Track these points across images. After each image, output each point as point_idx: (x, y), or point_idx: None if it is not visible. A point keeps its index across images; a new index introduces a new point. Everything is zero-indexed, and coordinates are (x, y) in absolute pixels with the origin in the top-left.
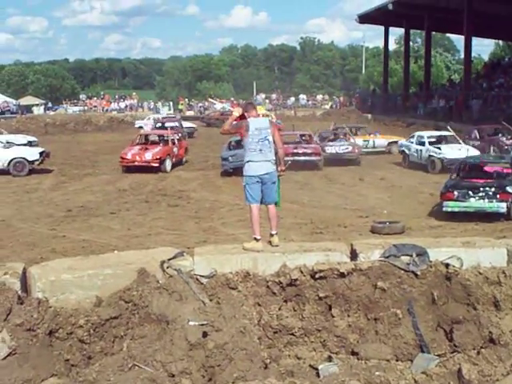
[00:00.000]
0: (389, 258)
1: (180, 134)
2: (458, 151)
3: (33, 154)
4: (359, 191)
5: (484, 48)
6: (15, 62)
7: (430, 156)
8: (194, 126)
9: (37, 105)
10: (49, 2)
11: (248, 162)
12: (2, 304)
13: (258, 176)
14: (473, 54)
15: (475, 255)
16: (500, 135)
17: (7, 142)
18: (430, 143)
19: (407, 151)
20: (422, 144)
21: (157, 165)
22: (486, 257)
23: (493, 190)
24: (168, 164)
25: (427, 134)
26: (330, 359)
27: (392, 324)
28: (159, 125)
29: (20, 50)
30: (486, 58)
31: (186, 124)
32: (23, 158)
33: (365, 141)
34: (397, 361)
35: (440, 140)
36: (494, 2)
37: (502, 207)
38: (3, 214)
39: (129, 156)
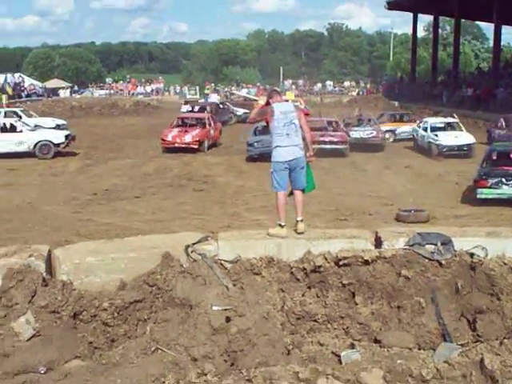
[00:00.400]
0: (413, 246)
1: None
2: (455, 138)
3: (58, 136)
4: (384, 179)
5: None
6: (42, 45)
7: (428, 142)
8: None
9: (63, 88)
10: None
11: (276, 147)
12: (27, 286)
13: (287, 162)
14: (502, 43)
15: (500, 245)
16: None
17: (35, 125)
18: (434, 129)
19: (416, 136)
20: (426, 130)
21: (196, 146)
22: (511, 247)
23: None
24: (206, 145)
25: (432, 120)
26: (352, 346)
27: (415, 312)
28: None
29: (47, 32)
30: None
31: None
32: (49, 141)
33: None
34: (419, 349)
35: (444, 127)
36: None
37: None
38: (29, 196)
39: (169, 138)
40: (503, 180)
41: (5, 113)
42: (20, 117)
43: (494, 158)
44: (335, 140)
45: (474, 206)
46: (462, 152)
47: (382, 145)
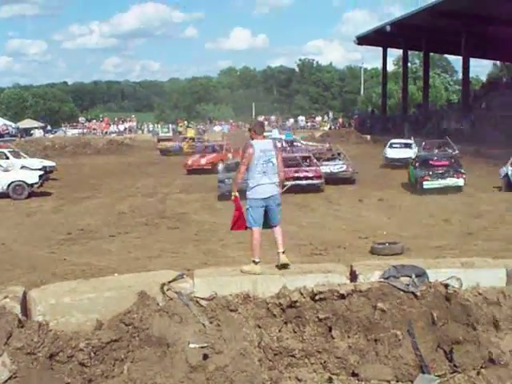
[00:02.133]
0: (388, 278)
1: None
2: (398, 153)
3: (32, 177)
4: (359, 212)
5: (482, 69)
6: (14, 85)
7: (384, 154)
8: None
9: (36, 128)
10: (48, 26)
11: (253, 184)
12: (3, 327)
13: (263, 199)
14: (471, 75)
15: (474, 275)
16: (443, 148)
17: (22, 166)
18: (391, 146)
19: (384, 153)
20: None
21: (209, 167)
22: (485, 277)
23: (451, 172)
24: (220, 166)
25: (393, 141)
26: (330, 380)
27: (392, 345)
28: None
29: (19, 72)
30: (483, 78)
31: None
32: (22, 181)
33: None
34: (397, 382)
35: (401, 145)
36: (491, 23)
37: (461, 182)
38: (3, 236)
39: (190, 162)
40: (438, 174)
41: None
42: (8, 157)
43: (422, 162)
44: (310, 175)
45: (448, 237)
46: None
47: (352, 178)
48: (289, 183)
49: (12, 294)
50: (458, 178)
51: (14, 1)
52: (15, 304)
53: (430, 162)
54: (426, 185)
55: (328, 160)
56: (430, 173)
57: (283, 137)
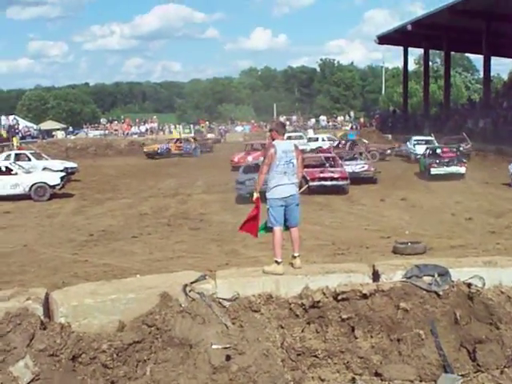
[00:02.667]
0: (411, 278)
1: None
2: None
3: (54, 178)
4: (381, 212)
5: (503, 67)
6: (36, 87)
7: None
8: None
9: (58, 129)
10: (69, 27)
11: (273, 184)
12: (25, 329)
13: (283, 199)
14: (492, 74)
15: (497, 274)
16: (460, 143)
17: (44, 168)
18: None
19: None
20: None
21: None
22: (507, 276)
23: (456, 161)
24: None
25: (416, 138)
26: (353, 381)
27: (415, 344)
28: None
29: (40, 74)
30: (505, 76)
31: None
32: (44, 183)
33: None
34: (420, 381)
35: (423, 142)
36: None
37: (463, 170)
38: (26, 238)
39: (236, 159)
40: (444, 163)
41: (15, 155)
42: (30, 159)
43: (430, 153)
44: (336, 176)
45: (470, 236)
46: None
47: (373, 177)
48: (315, 184)
49: (34, 296)
50: (460, 166)
51: (34, 3)
52: (38, 306)
53: (439, 153)
54: (433, 171)
55: (350, 160)
56: (437, 161)
57: (324, 136)
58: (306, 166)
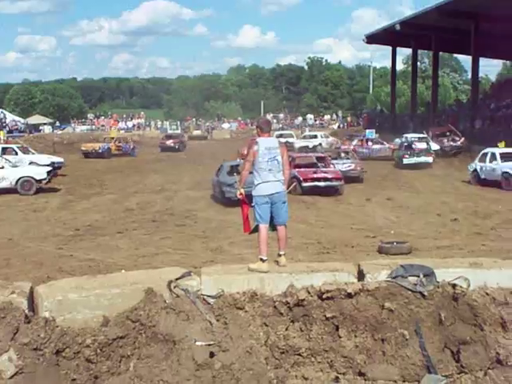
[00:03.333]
0: (396, 278)
1: None
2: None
3: (40, 172)
4: (366, 211)
5: (491, 68)
6: (23, 81)
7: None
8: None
9: (45, 124)
10: (58, 22)
11: (258, 182)
12: (10, 323)
13: (268, 196)
14: (480, 74)
15: (482, 276)
16: (446, 136)
17: (30, 162)
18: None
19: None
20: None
21: None
22: (493, 277)
23: (424, 152)
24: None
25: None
26: (337, 380)
27: (399, 345)
28: None
29: (28, 68)
30: (493, 78)
31: None
32: (31, 177)
33: None
34: (404, 382)
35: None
36: (500, 22)
37: (430, 159)
38: (11, 232)
39: (244, 152)
40: (413, 153)
41: (2, 149)
42: (17, 153)
43: (405, 145)
44: (330, 177)
45: (456, 236)
46: None
47: (360, 177)
48: (306, 184)
49: (19, 290)
50: (427, 157)
51: None
52: (22, 299)
53: (411, 145)
54: (405, 161)
55: (336, 159)
56: (409, 152)
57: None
58: (296, 166)
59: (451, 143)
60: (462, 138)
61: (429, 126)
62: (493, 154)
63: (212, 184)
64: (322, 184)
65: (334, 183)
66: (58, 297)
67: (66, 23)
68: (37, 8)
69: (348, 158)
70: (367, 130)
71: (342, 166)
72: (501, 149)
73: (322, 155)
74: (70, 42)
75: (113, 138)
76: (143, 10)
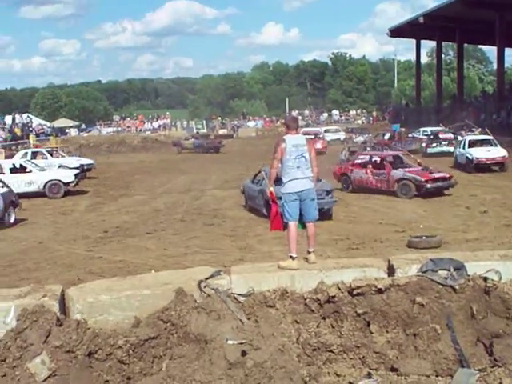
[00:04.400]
0: (426, 272)
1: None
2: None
3: (68, 175)
4: (395, 206)
5: None
6: (48, 85)
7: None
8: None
9: (71, 127)
10: (81, 25)
11: (286, 180)
12: (42, 326)
13: (296, 193)
14: (506, 65)
15: None
16: (464, 129)
17: (60, 166)
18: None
19: None
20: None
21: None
22: None
23: (447, 142)
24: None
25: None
26: (369, 376)
27: (431, 339)
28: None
29: (53, 72)
30: None
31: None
32: (58, 180)
33: None
34: (437, 376)
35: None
36: None
37: (451, 149)
38: (40, 235)
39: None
40: (438, 143)
41: (32, 153)
42: (46, 157)
43: (432, 137)
44: (447, 176)
45: (485, 229)
46: None
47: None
48: (431, 186)
49: (50, 293)
50: (450, 146)
51: (46, 1)
52: (54, 302)
53: (438, 135)
54: (429, 150)
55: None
56: (433, 142)
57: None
58: (378, 166)
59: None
60: (479, 129)
61: (455, 119)
62: (464, 141)
63: (246, 191)
64: (443, 184)
65: (451, 181)
66: (88, 299)
67: (90, 26)
68: (60, 12)
69: (406, 164)
70: (393, 125)
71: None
72: (473, 136)
73: (397, 153)
74: (93, 45)
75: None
76: (166, 10)
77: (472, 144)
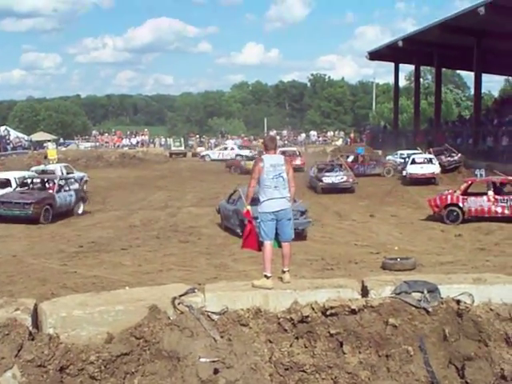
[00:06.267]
0: (400, 294)
1: None
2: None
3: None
4: (370, 227)
5: (494, 84)
6: (28, 98)
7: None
8: None
9: (48, 140)
10: (63, 39)
11: (263, 199)
12: (14, 340)
13: (273, 213)
14: (483, 91)
15: (486, 291)
16: (443, 153)
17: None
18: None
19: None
20: None
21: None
22: (497, 293)
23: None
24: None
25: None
26: None
27: (403, 361)
28: None
29: (33, 86)
30: (495, 93)
31: None
32: None
33: None
34: None
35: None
36: (503, 39)
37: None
38: (15, 249)
39: None
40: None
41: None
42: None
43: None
44: None
45: (459, 252)
46: None
47: (352, 188)
48: None
49: (23, 307)
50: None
51: (28, 14)
52: (26, 316)
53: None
54: (405, 173)
55: (329, 171)
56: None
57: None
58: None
59: (449, 159)
60: (459, 154)
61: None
62: (409, 160)
63: (221, 211)
64: None
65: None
66: (62, 313)
67: (71, 41)
68: (42, 26)
69: (341, 171)
70: (358, 147)
71: (335, 178)
72: (417, 155)
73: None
74: (74, 60)
75: None
76: (148, 27)
77: (413, 162)
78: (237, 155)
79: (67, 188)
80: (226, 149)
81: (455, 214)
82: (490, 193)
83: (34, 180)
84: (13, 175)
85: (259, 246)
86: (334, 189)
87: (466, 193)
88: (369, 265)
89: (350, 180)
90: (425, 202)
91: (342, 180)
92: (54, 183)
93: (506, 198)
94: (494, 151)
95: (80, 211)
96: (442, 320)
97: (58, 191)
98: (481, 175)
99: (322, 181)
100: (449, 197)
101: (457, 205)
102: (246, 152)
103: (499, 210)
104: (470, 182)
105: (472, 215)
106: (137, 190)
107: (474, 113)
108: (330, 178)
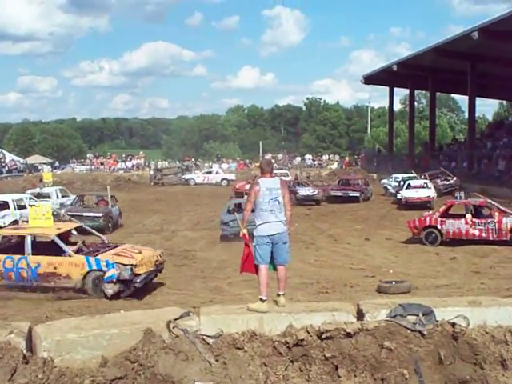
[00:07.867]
0: (395, 317)
1: None
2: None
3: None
4: (365, 251)
5: (488, 108)
6: (23, 121)
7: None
8: None
9: (44, 163)
10: (59, 63)
11: (259, 222)
12: (7, 363)
13: (269, 236)
14: (477, 114)
15: (481, 314)
16: (439, 177)
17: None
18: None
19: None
20: None
21: None
22: (492, 316)
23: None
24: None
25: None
26: None
27: None
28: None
29: (29, 108)
30: (490, 117)
31: None
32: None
33: None
34: None
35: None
36: (496, 63)
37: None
38: None
39: (237, 186)
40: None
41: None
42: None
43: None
44: None
45: (454, 275)
46: None
47: (320, 200)
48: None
49: (17, 330)
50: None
51: (25, 38)
52: (20, 340)
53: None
54: (399, 196)
55: (303, 186)
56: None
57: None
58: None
59: (444, 182)
60: (455, 178)
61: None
62: (404, 184)
63: (221, 219)
64: None
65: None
66: (56, 337)
67: (67, 64)
68: (38, 49)
69: (308, 185)
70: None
71: (307, 191)
72: (412, 180)
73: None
74: (70, 83)
75: None
76: (144, 51)
77: (408, 186)
78: (222, 179)
79: (112, 203)
80: (210, 173)
81: (433, 235)
82: (468, 215)
83: (88, 196)
84: (10, 197)
85: (257, 270)
86: (307, 200)
87: (444, 215)
88: (364, 288)
89: (321, 193)
90: None
91: (314, 193)
92: (103, 199)
93: (483, 221)
94: (488, 174)
95: (119, 222)
96: (437, 343)
97: (113, 206)
98: (460, 197)
99: (298, 193)
100: (427, 219)
101: (435, 227)
102: (231, 176)
103: (476, 232)
104: (448, 205)
105: (450, 237)
106: (132, 214)
107: (468, 136)
108: (304, 191)
